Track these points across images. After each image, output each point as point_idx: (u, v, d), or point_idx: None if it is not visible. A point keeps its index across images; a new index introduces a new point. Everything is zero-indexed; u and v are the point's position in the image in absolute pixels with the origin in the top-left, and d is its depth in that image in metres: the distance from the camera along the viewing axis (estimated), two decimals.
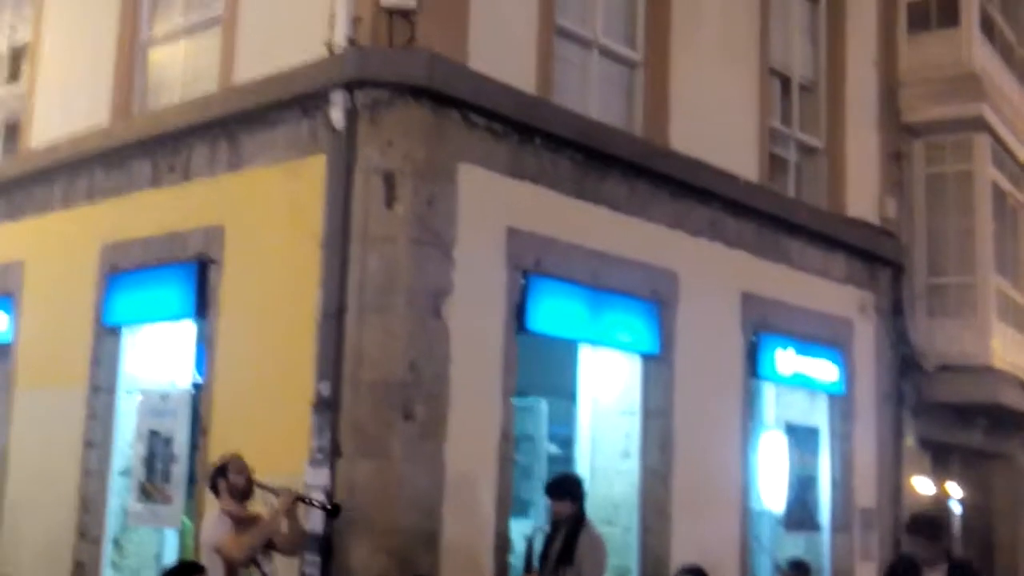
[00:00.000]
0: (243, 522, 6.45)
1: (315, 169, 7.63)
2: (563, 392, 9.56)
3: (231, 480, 6.57)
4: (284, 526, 6.53)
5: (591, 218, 8.66)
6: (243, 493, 6.59)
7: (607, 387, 9.39)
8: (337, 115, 7.45)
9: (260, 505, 6.69)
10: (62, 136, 9.84)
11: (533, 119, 8.17)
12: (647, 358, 9.27)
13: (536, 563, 7.18)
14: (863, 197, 12.06)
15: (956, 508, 14.99)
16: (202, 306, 8.32)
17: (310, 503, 6.74)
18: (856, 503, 11.46)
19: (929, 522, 6.73)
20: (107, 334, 9.20)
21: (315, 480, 7.10)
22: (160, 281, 8.71)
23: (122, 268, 9.07)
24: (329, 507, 6.75)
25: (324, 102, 7.56)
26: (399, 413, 7.20)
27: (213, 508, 6.84)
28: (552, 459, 9.72)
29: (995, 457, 15.66)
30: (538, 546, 7.28)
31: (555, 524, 7.34)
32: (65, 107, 10.09)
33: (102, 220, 9.37)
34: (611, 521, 9.27)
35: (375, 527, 7.09)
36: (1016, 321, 13.85)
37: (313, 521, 6.99)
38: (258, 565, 6.31)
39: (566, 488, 7.38)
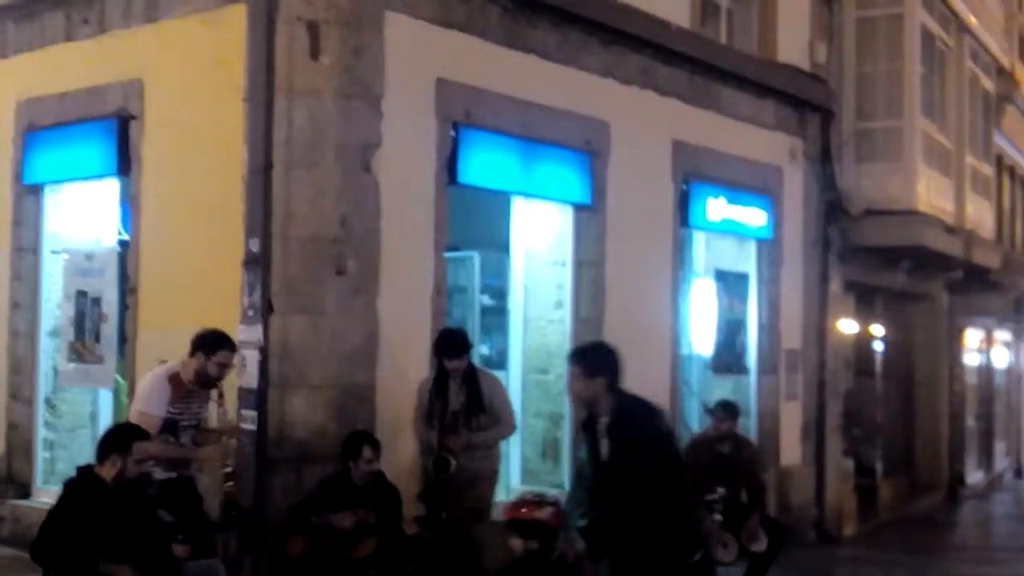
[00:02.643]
0: (185, 397, 6.30)
1: (236, 19, 7.37)
2: (496, 244, 9.58)
3: (207, 366, 6.29)
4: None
5: (522, 67, 8.53)
6: (206, 382, 6.35)
7: (539, 238, 9.42)
8: None
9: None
10: None
11: None
12: (579, 208, 9.29)
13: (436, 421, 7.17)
14: (794, 42, 12.01)
15: (879, 347, 15.49)
16: (124, 163, 8.12)
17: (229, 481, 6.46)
18: (782, 346, 11.76)
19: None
20: (28, 193, 8.98)
21: (248, 336, 7.08)
22: (80, 138, 8.47)
23: (40, 125, 8.80)
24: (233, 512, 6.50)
25: None
26: (331, 268, 7.17)
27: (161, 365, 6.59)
28: (485, 310, 9.80)
29: (918, 298, 16.13)
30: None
31: (441, 376, 7.21)
32: None
33: (16, 76, 9.04)
34: (545, 369, 9.44)
35: (310, 382, 7.13)
36: (941, 165, 14.06)
37: (249, 376, 7.00)
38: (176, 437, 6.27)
39: (460, 344, 7.25)
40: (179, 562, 5.57)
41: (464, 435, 7.12)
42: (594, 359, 5.26)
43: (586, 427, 5.36)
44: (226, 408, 6.51)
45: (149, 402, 6.29)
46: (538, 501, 5.67)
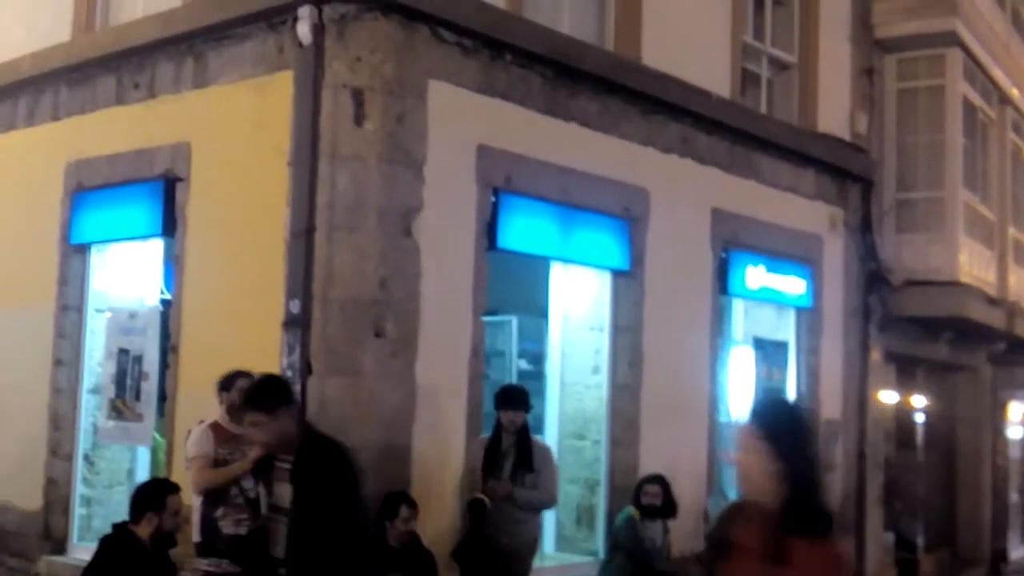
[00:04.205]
0: (230, 439, 6.43)
1: (282, 85, 7.53)
2: (534, 309, 9.61)
3: (231, 396, 6.51)
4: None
5: (562, 135, 8.62)
6: (237, 412, 6.47)
7: (577, 303, 9.44)
8: (304, 30, 7.34)
9: None
10: (25, 52, 9.65)
11: (504, 34, 8.07)
12: (617, 274, 9.31)
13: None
14: (834, 113, 12.05)
15: (920, 418, 15.29)
16: (169, 224, 8.26)
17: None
18: (822, 415, 11.65)
19: None
20: (74, 252, 9.15)
21: None
22: (127, 199, 8.64)
23: (88, 186, 8.98)
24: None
25: (291, 16, 7.45)
26: (370, 330, 7.22)
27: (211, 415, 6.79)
28: (523, 375, 9.80)
29: (960, 369, 15.94)
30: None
31: (497, 433, 7.37)
32: (27, 23, 9.89)
33: (67, 138, 9.25)
34: (581, 435, 9.41)
35: (347, 443, 7.13)
36: (983, 236, 13.98)
37: None
38: (239, 486, 6.32)
39: (520, 398, 7.45)
40: None
41: (507, 483, 7.13)
42: (271, 393, 4.87)
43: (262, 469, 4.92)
44: None
45: (197, 447, 6.50)
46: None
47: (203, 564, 5.82)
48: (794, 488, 3.26)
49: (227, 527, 6.16)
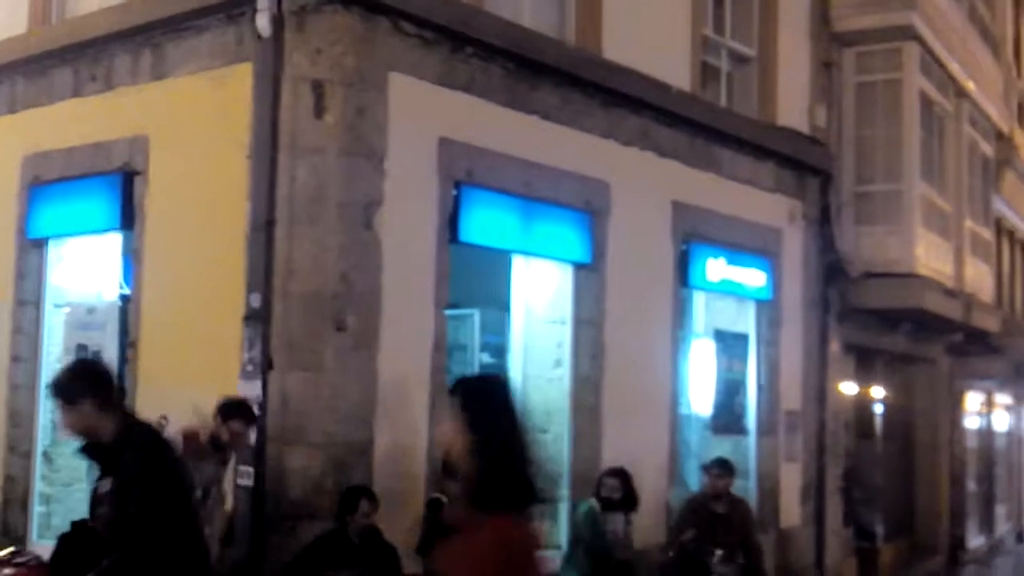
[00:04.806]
0: (197, 457, 6.20)
1: (241, 78, 7.49)
2: (496, 302, 9.61)
3: (220, 429, 6.38)
4: None
5: (523, 128, 8.62)
6: (217, 446, 6.45)
7: (539, 297, 9.46)
8: (263, 22, 7.30)
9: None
10: None
11: (465, 27, 8.06)
12: (579, 267, 9.34)
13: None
14: (793, 106, 12.14)
15: (879, 409, 15.45)
16: (128, 218, 8.19)
17: None
18: (782, 407, 11.75)
19: None
20: (31, 247, 9.05)
21: (247, 392, 7.10)
22: (84, 193, 8.55)
23: (45, 180, 8.89)
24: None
25: (250, 8, 7.40)
26: (331, 324, 7.20)
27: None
28: (485, 368, 9.79)
29: (918, 361, 16.12)
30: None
31: None
32: None
33: (24, 130, 9.14)
34: (544, 428, 9.40)
35: (308, 438, 7.13)
36: (941, 228, 14.13)
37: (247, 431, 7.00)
38: None
39: None
40: None
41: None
42: (75, 382, 4.61)
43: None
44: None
45: None
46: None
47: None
48: (485, 461, 3.18)
49: None
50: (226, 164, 7.53)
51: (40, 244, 9.06)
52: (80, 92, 8.72)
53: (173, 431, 6.44)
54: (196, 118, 7.86)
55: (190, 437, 6.33)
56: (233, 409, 6.44)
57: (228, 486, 6.89)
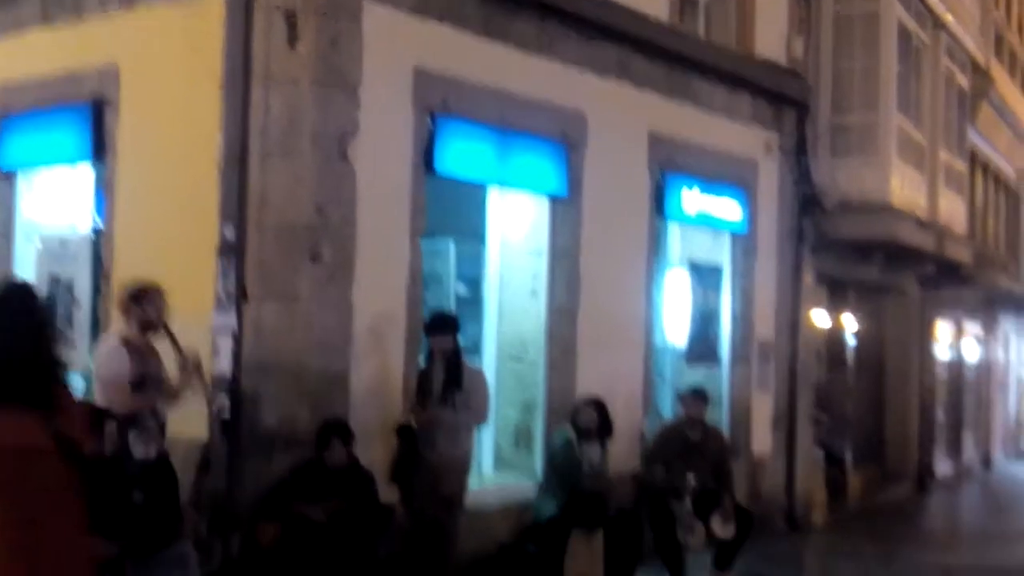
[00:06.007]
0: (140, 354, 6.26)
1: (214, 6, 7.35)
2: (472, 234, 9.60)
3: (145, 311, 6.31)
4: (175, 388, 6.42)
5: (499, 58, 8.56)
6: (151, 327, 6.36)
7: (515, 228, 9.46)
8: None
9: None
10: None
11: None
12: (555, 199, 9.34)
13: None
14: (771, 37, 12.08)
15: (850, 339, 15.62)
16: (99, 149, 8.11)
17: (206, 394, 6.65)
18: (755, 337, 11.86)
19: None
20: (1, 179, 8.95)
21: (222, 323, 7.10)
22: (54, 123, 8.45)
23: (14, 110, 8.77)
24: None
25: None
26: (306, 256, 7.19)
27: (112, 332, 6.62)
28: (460, 300, 9.81)
29: (889, 291, 16.27)
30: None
31: (430, 359, 7.52)
32: None
33: None
34: (519, 358, 9.49)
35: (284, 370, 7.16)
36: (915, 160, 14.18)
37: (222, 362, 7.02)
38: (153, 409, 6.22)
39: (448, 323, 7.58)
40: (151, 544, 5.60)
41: (432, 410, 7.24)
42: None
43: None
44: (180, 346, 6.41)
45: (115, 367, 6.21)
46: None
47: None
48: None
49: (138, 450, 6.05)
50: (198, 95, 7.45)
51: (10, 176, 8.97)
52: (49, 20, 8.57)
53: (106, 346, 6.41)
54: (167, 48, 7.75)
55: (126, 343, 6.27)
56: (139, 290, 6.40)
57: (203, 412, 6.92)
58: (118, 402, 6.04)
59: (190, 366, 6.38)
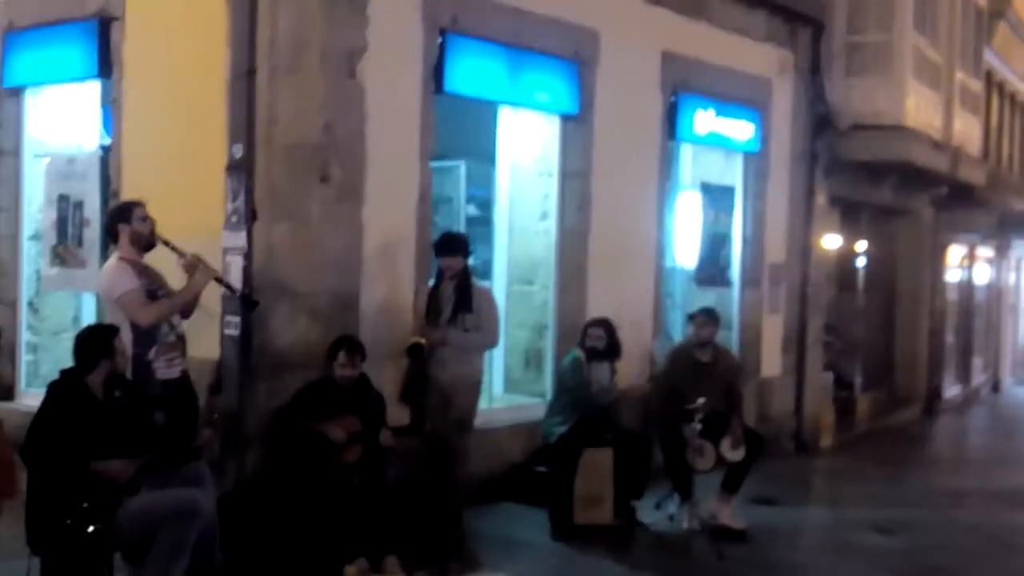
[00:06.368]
0: (144, 272, 6.12)
1: None
2: (482, 154, 9.52)
3: (134, 227, 6.11)
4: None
5: None
6: (147, 243, 6.17)
7: (526, 148, 9.37)
8: None
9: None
10: None
11: None
12: (566, 119, 9.23)
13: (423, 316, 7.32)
14: None
15: (862, 262, 15.56)
16: (105, 65, 8.00)
17: (229, 288, 6.56)
18: (766, 260, 11.80)
19: None
20: (8, 96, 8.86)
21: (231, 243, 7.07)
22: (60, 39, 8.32)
23: (19, 26, 8.64)
24: (249, 300, 6.67)
25: None
26: (315, 175, 7.13)
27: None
28: (471, 221, 9.77)
29: (902, 214, 16.15)
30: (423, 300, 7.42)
31: (440, 279, 7.38)
32: None
33: None
34: (530, 280, 9.47)
35: (294, 289, 7.14)
36: (931, 80, 13.97)
37: (232, 282, 6.96)
38: (170, 322, 6.15)
39: (458, 244, 7.43)
40: (167, 463, 5.61)
41: (440, 331, 7.20)
42: None
43: None
44: (180, 249, 6.23)
45: (123, 282, 6.01)
46: None
47: None
48: None
49: (161, 370, 5.99)
50: (206, 9, 7.34)
51: (17, 93, 8.86)
52: None
53: (107, 267, 6.26)
54: None
55: (125, 260, 6.12)
56: (122, 207, 6.35)
57: (215, 333, 6.91)
58: (139, 316, 5.93)
59: (196, 263, 6.15)
